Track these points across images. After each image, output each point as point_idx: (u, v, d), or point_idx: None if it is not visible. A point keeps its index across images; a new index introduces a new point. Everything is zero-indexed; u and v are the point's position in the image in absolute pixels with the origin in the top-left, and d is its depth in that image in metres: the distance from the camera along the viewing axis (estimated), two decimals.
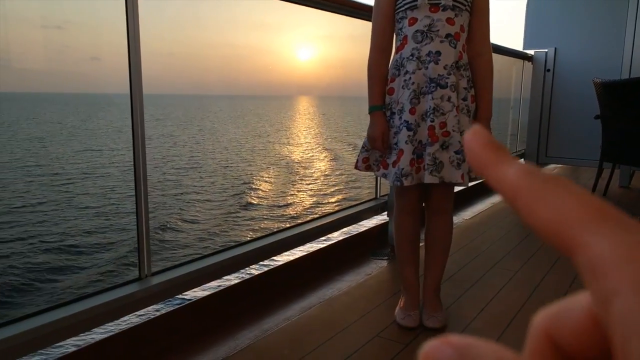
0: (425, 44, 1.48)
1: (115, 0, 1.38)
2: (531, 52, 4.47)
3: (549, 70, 4.40)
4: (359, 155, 1.65)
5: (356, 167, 1.67)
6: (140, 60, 1.41)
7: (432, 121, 1.47)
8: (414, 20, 1.49)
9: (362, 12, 2.20)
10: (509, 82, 4.84)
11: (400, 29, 1.54)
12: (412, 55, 1.50)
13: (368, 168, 1.65)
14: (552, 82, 4.42)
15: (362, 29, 2.21)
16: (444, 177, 1.49)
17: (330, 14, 2.17)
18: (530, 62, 4.50)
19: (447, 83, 1.47)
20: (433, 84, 1.48)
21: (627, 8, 4.03)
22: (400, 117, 1.51)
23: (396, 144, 1.52)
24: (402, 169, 1.48)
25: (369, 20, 2.16)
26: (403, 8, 1.51)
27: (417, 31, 1.49)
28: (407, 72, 1.50)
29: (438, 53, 1.48)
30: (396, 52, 1.57)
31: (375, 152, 1.63)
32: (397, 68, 1.55)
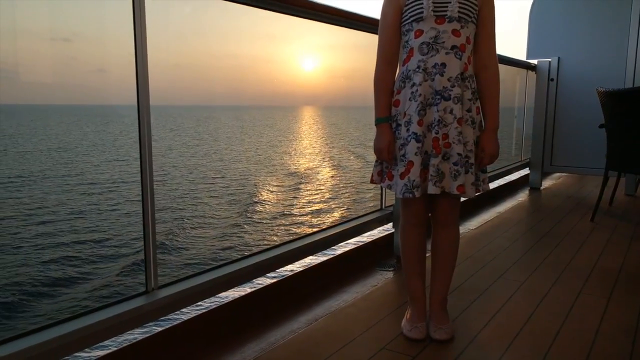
0: (431, 55, 1.49)
1: (123, 12, 1.39)
2: (535, 61, 4.48)
3: (552, 79, 4.40)
4: (373, 169, 1.66)
5: (372, 181, 1.67)
6: (147, 72, 1.42)
7: (436, 133, 1.48)
8: (420, 33, 1.50)
9: (365, 25, 2.22)
10: (513, 91, 4.85)
11: (407, 41, 1.55)
12: (418, 67, 1.50)
13: (383, 181, 1.66)
14: (556, 91, 4.42)
15: (367, 38, 2.23)
16: (444, 187, 1.50)
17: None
18: (534, 72, 4.51)
19: (450, 95, 1.48)
20: (438, 96, 1.49)
21: (630, 17, 4.04)
22: (408, 129, 1.51)
23: (404, 155, 1.52)
24: (414, 180, 1.49)
25: (373, 33, 2.19)
26: (409, 20, 1.52)
27: (422, 43, 1.50)
28: (413, 84, 1.51)
29: (443, 65, 1.48)
30: (402, 65, 1.57)
31: (382, 164, 1.64)
32: (403, 80, 1.55)
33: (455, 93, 1.48)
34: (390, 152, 1.57)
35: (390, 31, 1.58)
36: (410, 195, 1.49)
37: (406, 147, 1.51)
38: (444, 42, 1.48)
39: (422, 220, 1.65)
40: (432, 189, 1.48)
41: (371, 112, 1.63)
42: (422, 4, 1.48)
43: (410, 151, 1.50)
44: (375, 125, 1.61)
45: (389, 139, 1.57)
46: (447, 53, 1.48)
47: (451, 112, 1.48)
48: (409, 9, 1.51)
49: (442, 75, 1.48)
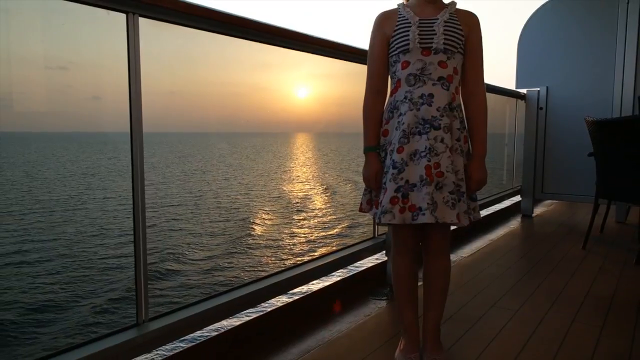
0: (418, 86, 1.51)
1: (119, 40, 1.41)
2: (524, 91, 4.57)
3: (541, 108, 4.48)
4: (362, 198, 1.68)
5: (361, 210, 1.69)
6: (140, 100, 1.42)
7: (428, 161, 1.48)
8: (406, 64, 1.53)
9: (356, 56, 2.26)
10: (503, 119, 4.92)
11: (394, 72, 1.57)
12: (405, 97, 1.53)
13: (371, 209, 1.67)
14: (546, 120, 4.49)
15: (357, 67, 2.27)
16: (438, 217, 1.48)
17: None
18: (524, 101, 4.59)
19: (440, 124, 1.50)
20: (427, 125, 1.49)
21: (615, 46, 4.15)
22: (391, 157, 1.53)
23: (385, 182, 1.54)
24: (383, 206, 1.50)
25: (363, 63, 2.23)
26: (396, 52, 1.54)
27: (409, 74, 1.52)
28: (400, 114, 1.53)
29: (431, 95, 1.50)
30: (391, 95, 1.60)
31: (371, 193, 1.65)
32: (391, 111, 1.58)
33: (444, 122, 1.50)
34: (377, 181, 1.59)
35: (377, 62, 1.61)
36: (378, 220, 1.51)
37: (387, 175, 1.53)
38: (430, 73, 1.51)
39: (412, 250, 1.66)
40: (425, 218, 1.48)
41: (361, 140, 1.65)
42: (408, 36, 1.51)
43: (387, 177, 1.52)
44: (364, 153, 1.63)
45: (376, 168, 1.59)
46: (434, 84, 1.51)
47: (442, 141, 1.49)
48: (395, 40, 1.54)
49: (430, 105, 1.50)
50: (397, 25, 1.54)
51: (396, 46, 1.54)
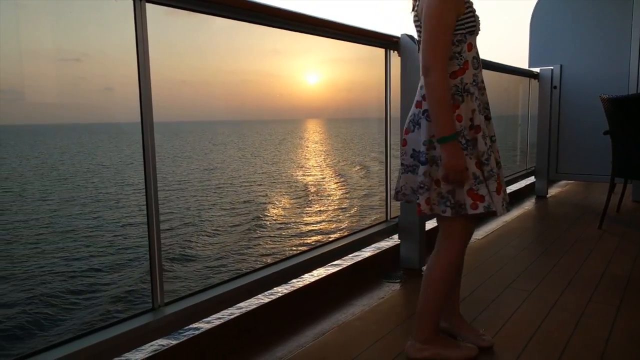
0: (479, 70, 1.50)
1: (130, 31, 1.41)
2: (537, 69, 4.49)
3: (555, 87, 4.40)
4: (419, 199, 1.48)
5: (420, 214, 1.50)
6: (150, 89, 1.42)
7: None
8: (471, 46, 1.47)
9: (365, 37, 2.24)
10: (515, 99, 4.85)
11: (460, 52, 1.46)
12: (474, 81, 1.47)
13: (432, 209, 1.48)
14: (560, 99, 4.42)
15: (367, 51, 2.26)
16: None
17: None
18: (537, 80, 4.52)
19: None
20: (487, 111, 1.52)
21: (631, 23, 4.05)
22: (486, 143, 1.46)
23: (492, 170, 1.47)
24: (504, 198, 1.52)
25: (374, 46, 2.21)
26: (463, 31, 1.44)
27: (474, 57, 1.48)
28: (476, 97, 1.47)
29: (482, 81, 1.52)
30: (456, 77, 1.46)
31: (430, 190, 1.48)
32: (460, 94, 1.46)
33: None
34: (466, 174, 1.44)
35: (450, 37, 1.44)
36: (506, 210, 1.52)
37: (490, 162, 1.47)
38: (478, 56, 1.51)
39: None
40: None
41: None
42: (476, 17, 1.46)
43: (494, 165, 1.48)
44: (443, 143, 1.40)
45: (463, 158, 1.42)
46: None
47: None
48: (466, 19, 1.44)
49: (485, 89, 1.52)
50: (466, 3, 1.44)
51: (465, 25, 1.44)
